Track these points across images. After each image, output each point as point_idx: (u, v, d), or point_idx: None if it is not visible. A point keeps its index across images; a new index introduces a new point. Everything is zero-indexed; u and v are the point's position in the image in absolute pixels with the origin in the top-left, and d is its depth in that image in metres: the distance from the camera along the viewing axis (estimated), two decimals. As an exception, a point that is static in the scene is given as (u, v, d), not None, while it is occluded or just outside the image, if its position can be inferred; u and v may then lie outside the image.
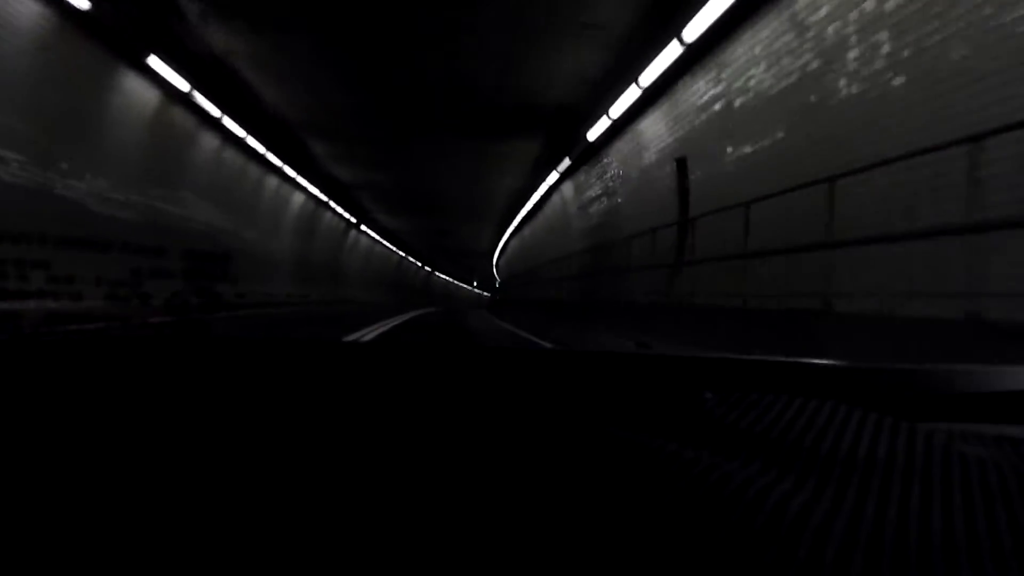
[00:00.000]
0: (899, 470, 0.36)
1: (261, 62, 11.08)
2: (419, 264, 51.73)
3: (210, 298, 4.59)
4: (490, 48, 9.86)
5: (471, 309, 30.31)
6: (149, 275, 3.94)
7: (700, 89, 8.77)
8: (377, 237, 34.61)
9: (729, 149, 8.28)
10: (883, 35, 5.24)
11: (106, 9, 7.96)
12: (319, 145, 16.96)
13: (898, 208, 4.89)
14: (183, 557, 0.31)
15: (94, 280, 3.69)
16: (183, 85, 10.59)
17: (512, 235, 29.88)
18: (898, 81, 5.13)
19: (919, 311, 4.37)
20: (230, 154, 14.81)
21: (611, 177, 13.51)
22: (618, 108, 10.63)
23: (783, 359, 0.76)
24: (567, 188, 17.03)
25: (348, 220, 27.69)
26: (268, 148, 15.61)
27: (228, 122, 13.08)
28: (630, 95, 9.99)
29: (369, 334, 9.32)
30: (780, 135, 7.07)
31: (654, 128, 10.72)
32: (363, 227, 30.61)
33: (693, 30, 7.54)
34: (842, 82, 5.87)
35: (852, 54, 5.68)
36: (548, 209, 20.35)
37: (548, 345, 7.48)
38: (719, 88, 8.29)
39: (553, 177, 16.74)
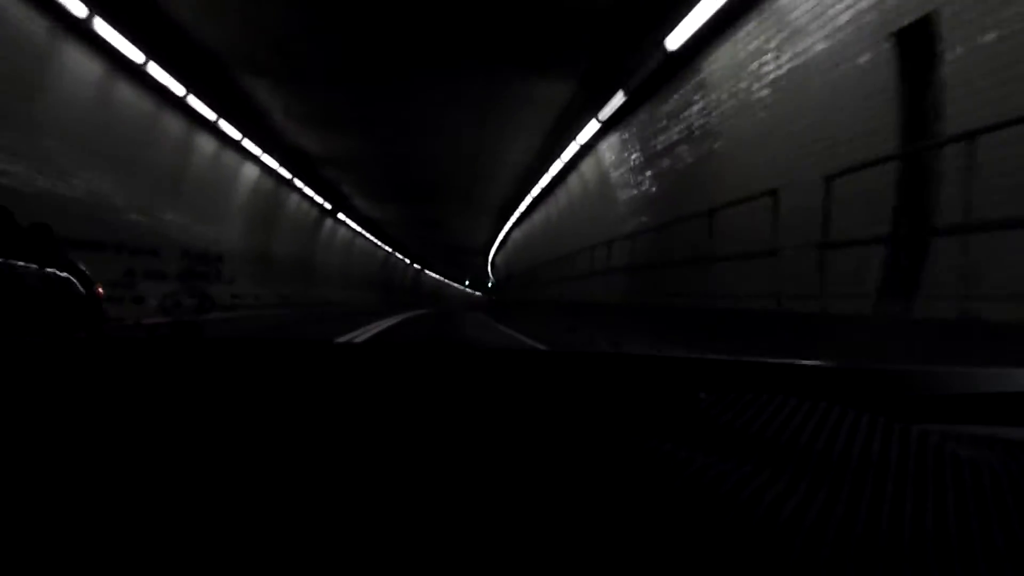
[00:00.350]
0: (892, 471, 0.36)
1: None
2: (407, 261, 48.78)
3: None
4: None
5: (467, 311, 27.36)
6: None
7: None
8: (358, 228, 30.02)
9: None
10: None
11: None
12: (264, 90, 12.37)
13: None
14: (177, 556, 0.31)
15: None
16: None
17: (515, 225, 25.80)
18: None
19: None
20: (128, 93, 10.24)
21: (704, 108, 8.65)
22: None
23: (777, 360, 0.74)
24: (610, 144, 12.47)
25: (322, 206, 23.12)
26: (190, 89, 11.06)
27: (108, 31, 8.55)
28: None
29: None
30: None
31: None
32: (340, 215, 26.00)
33: None
34: None
35: None
36: (574, 182, 15.88)
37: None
38: None
39: (590, 131, 12.28)
